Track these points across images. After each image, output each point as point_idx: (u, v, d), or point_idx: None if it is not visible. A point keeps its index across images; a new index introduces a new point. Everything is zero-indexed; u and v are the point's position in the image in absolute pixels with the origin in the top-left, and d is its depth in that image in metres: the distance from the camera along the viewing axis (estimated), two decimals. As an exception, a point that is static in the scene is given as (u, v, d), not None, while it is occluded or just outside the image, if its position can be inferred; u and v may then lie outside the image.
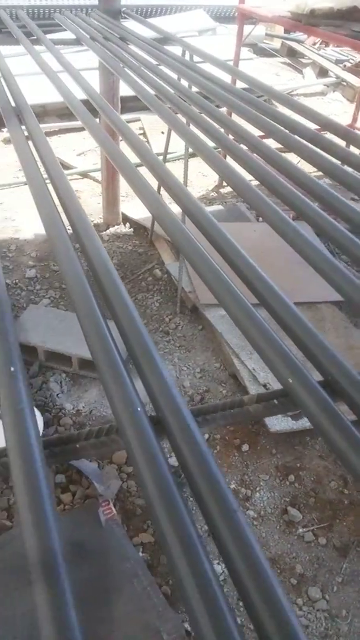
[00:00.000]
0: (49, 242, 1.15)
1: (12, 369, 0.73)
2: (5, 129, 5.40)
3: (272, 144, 1.66)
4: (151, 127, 5.56)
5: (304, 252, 1.15)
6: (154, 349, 0.81)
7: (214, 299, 3.05)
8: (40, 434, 2.23)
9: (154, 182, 1.47)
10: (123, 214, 4.24)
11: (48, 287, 3.48)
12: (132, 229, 4.17)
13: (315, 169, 1.50)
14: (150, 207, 1.30)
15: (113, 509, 2.15)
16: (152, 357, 0.79)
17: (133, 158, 1.55)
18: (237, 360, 2.78)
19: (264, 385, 2.61)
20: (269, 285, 1.00)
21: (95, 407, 2.68)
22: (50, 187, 1.39)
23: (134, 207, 4.33)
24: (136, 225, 4.17)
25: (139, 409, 0.70)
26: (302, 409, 0.75)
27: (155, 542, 2.12)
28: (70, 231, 1.18)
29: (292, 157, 1.58)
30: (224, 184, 4.77)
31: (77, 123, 5.63)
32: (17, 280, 3.52)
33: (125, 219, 4.24)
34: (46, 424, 2.54)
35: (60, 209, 1.25)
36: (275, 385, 2.59)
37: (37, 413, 2.51)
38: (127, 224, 4.21)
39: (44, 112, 5.63)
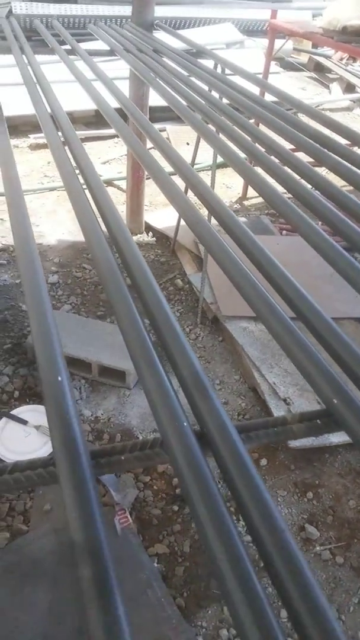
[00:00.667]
0: (88, 247, 1.16)
1: (59, 378, 0.74)
2: (32, 135, 5.48)
3: (301, 157, 1.66)
4: (177, 137, 5.59)
5: (337, 264, 1.15)
6: (198, 362, 0.81)
7: (235, 311, 3.03)
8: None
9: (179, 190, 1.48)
10: (146, 222, 4.27)
11: (70, 293, 3.51)
12: (154, 238, 4.19)
13: (345, 183, 1.51)
14: (181, 211, 1.31)
15: (129, 517, 2.15)
16: (196, 372, 0.79)
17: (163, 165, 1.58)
18: (258, 374, 2.77)
19: (284, 400, 2.59)
20: (307, 298, 1.00)
21: (114, 415, 2.69)
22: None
23: (157, 217, 4.36)
24: (159, 235, 4.20)
25: (185, 423, 0.70)
26: (346, 430, 0.75)
27: (171, 553, 2.12)
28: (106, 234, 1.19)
29: (321, 171, 1.59)
30: (248, 196, 4.78)
31: (103, 132, 5.70)
32: (39, 285, 3.54)
33: (148, 228, 4.27)
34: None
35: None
36: (296, 400, 2.59)
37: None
38: (150, 233, 4.23)
39: (71, 120, 5.69)
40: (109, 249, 1.10)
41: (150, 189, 4.55)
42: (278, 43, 4.43)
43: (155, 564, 2.07)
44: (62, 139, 1.81)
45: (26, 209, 1.23)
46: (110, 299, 0.94)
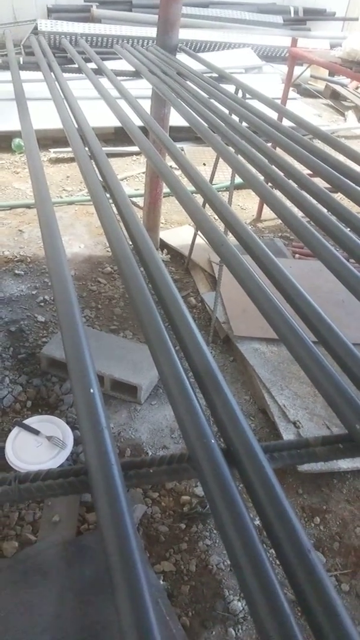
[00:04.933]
0: (115, 263, 1.19)
1: (91, 390, 0.76)
2: (52, 150, 5.57)
3: (317, 182, 1.70)
4: (193, 157, 5.67)
5: (356, 290, 1.17)
6: (224, 382, 0.83)
7: (247, 332, 3.04)
8: (70, 450, 2.23)
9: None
10: (161, 240, 4.31)
11: (84, 306, 3.54)
12: (168, 256, 4.23)
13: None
14: (202, 229, 1.34)
15: (136, 533, 2.15)
16: (222, 389, 0.81)
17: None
18: (268, 395, 2.78)
19: (294, 423, 2.60)
20: (328, 323, 1.01)
21: (124, 429, 2.70)
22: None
23: (171, 234, 4.41)
24: (173, 252, 4.24)
25: (212, 440, 0.72)
26: (368, 455, 0.77)
27: (177, 571, 2.12)
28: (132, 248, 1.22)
29: (336, 197, 1.62)
30: (262, 218, 4.83)
31: (122, 149, 5.79)
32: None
33: (163, 246, 4.31)
34: (75, 441, 2.55)
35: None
36: (305, 424, 2.59)
37: (68, 429, 2.54)
38: (165, 251, 4.27)
39: (90, 136, 5.78)
40: (137, 267, 1.13)
41: (166, 207, 4.61)
42: (297, 70, 4.51)
43: (161, 581, 2.07)
44: (88, 153, 1.86)
45: (57, 226, 1.27)
46: (139, 318, 0.97)
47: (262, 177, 1.74)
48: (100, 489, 0.65)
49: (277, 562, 0.65)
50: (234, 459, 0.73)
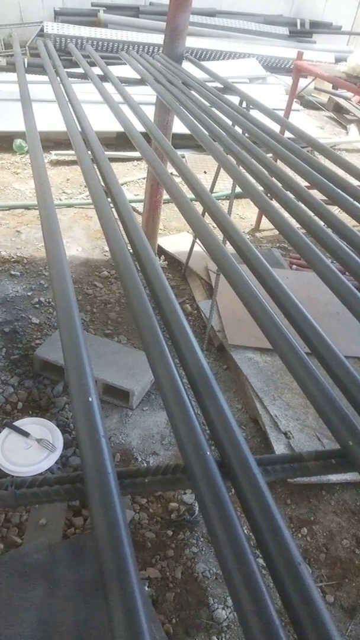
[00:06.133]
0: (114, 267, 1.20)
1: (90, 399, 0.77)
2: (53, 152, 5.58)
3: (315, 194, 1.72)
4: (194, 165, 5.70)
5: (349, 303, 1.18)
6: (221, 394, 0.84)
7: (242, 341, 3.04)
8: (60, 453, 2.23)
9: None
10: (159, 246, 4.33)
11: (80, 309, 3.54)
12: (166, 262, 4.24)
13: (356, 223, 1.56)
14: (201, 237, 1.35)
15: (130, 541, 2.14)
16: (218, 399, 0.82)
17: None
18: (260, 405, 2.79)
19: (285, 434, 2.61)
20: (322, 335, 1.02)
21: (115, 434, 2.71)
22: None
23: (169, 241, 4.42)
24: (171, 259, 4.25)
25: (207, 453, 0.73)
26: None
27: (162, 578, 2.12)
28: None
29: (333, 210, 1.64)
30: (260, 228, 4.85)
31: (123, 154, 5.81)
32: (50, 299, 3.59)
33: (161, 252, 4.32)
34: (65, 445, 2.56)
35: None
36: (296, 435, 2.60)
37: (58, 432, 2.54)
38: (162, 257, 4.29)
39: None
40: (136, 272, 1.14)
41: (165, 213, 4.63)
42: (302, 82, 4.55)
43: (146, 588, 2.07)
44: (91, 157, 1.87)
45: (59, 229, 1.28)
46: (136, 324, 0.98)
47: (261, 188, 1.76)
48: (95, 497, 0.65)
49: (267, 573, 0.66)
50: (228, 471, 0.74)
